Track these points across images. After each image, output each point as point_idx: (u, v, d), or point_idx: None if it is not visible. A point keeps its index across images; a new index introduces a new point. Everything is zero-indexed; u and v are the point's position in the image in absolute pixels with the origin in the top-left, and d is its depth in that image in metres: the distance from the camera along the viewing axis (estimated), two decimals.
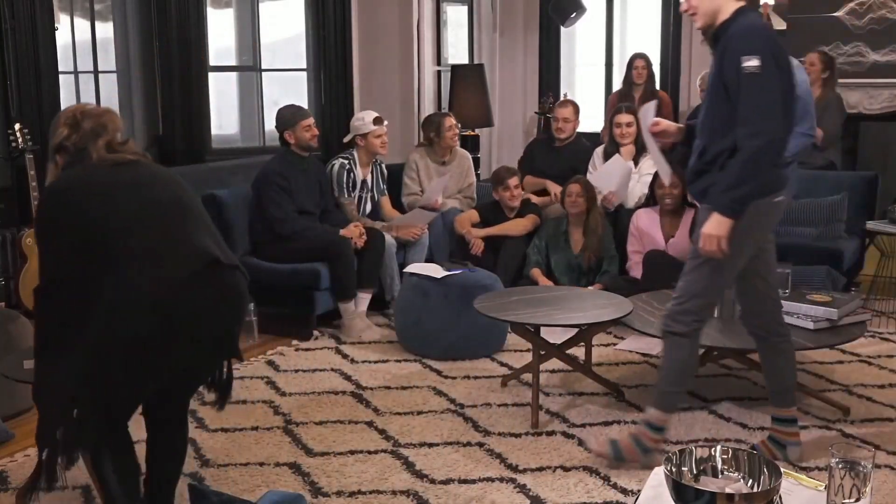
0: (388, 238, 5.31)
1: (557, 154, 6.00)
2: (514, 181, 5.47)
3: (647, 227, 5.04)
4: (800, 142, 3.60)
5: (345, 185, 5.49)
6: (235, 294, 2.65)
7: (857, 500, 1.71)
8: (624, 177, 5.55)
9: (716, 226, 3.04)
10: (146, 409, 2.78)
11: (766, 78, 2.95)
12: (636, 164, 5.61)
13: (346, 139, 5.71)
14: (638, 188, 5.57)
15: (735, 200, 3.02)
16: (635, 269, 4.99)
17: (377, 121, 5.47)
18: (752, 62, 2.94)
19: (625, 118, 5.69)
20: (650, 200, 5.20)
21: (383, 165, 5.76)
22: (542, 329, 4.00)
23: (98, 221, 2.49)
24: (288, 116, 5.16)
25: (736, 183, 3.00)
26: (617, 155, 5.57)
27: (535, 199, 5.75)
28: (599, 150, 5.84)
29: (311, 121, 5.20)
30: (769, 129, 2.95)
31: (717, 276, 3.19)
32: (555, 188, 5.70)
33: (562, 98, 7.62)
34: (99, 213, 2.50)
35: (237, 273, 2.66)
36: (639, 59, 6.79)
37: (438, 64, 7.30)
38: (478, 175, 7.02)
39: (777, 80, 2.97)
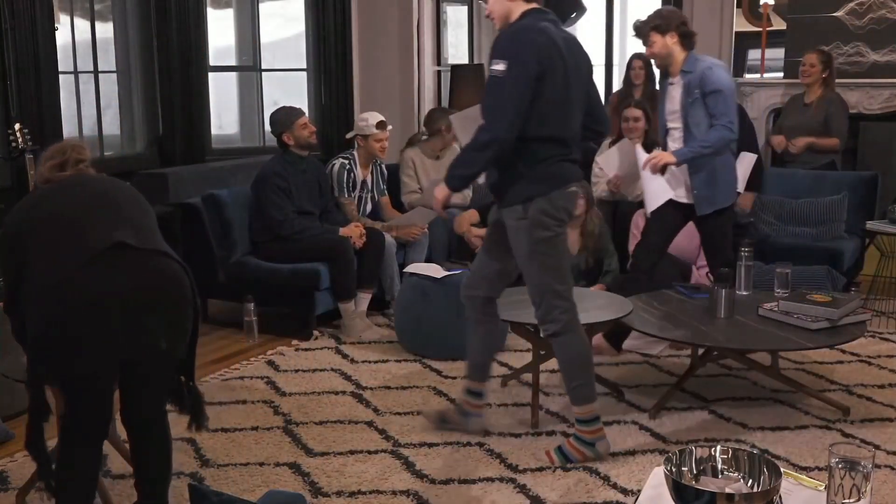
0: (389, 238, 5.31)
1: None
2: None
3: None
4: (720, 134, 4.06)
5: (345, 185, 5.49)
6: (157, 277, 2.63)
7: (858, 500, 1.71)
8: (631, 161, 5.53)
9: (440, 190, 3.42)
10: (120, 411, 2.80)
11: (508, 83, 3.13)
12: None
13: (348, 136, 5.71)
14: (640, 183, 5.56)
15: (455, 178, 3.36)
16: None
17: (381, 125, 5.45)
18: (498, 66, 3.16)
19: (633, 112, 5.69)
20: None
21: (383, 166, 5.76)
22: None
23: (22, 233, 2.66)
24: (283, 118, 5.14)
25: (460, 165, 3.32)
26: (626, 139, 5.56)
27: None
28: (605, 144, 5.84)
29: (306, 118, 5.19)
30: (497, 130, 3.16)
31: (549, 268, 3.34)
32: None
33: None
34: (22, 227, 2.68)
35: (161, 258, 2.66)
36: (637, 59, 6.78)
37: (438, 64, 7.30)
38: None
39: (519, 87, 3.14)
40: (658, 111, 4.56)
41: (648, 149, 5.66)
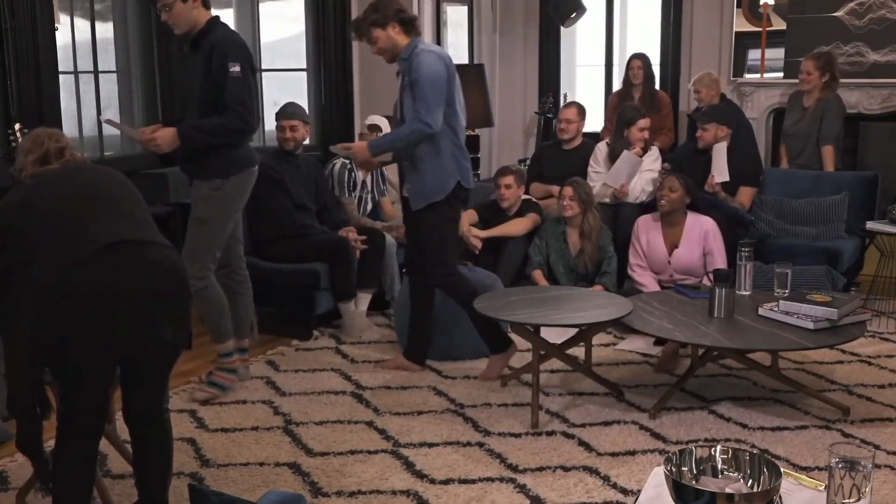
0: (389, 238, 5.31)
1: (566, 158, 6.01)
2: (505, 180, 5.44)
3: (648, 237, 4.95)
4: (412, 127, 4.11)
5: (345, 185, 5.49)
6: (157, 270, 2.65)
7: (858, 500, 1.71)
8: (634, 169, 5.56)
9: (170, 139, 3.98)
10: (122, 408, 2.81)
11: (245, 80, 3.90)
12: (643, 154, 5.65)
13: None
14: (640, 184, 5.57)
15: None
16: (640, 279, 4.91)
17: (372, 128, 5.46)
18: (235, 68, 3.87)
19: (645, 122, 5.70)
20: (647, 209, 5.16)
21: (384, 168, 5.75)
22: (541, 329, 4.00)
23: (16, 231, 2.66)
24: (278, 113, 5.20)
25: (207, 135, 3.95)
26: (626, 151, 5.58)
27: (543, 202, 5.74)
28: (602, 146, 5.85)
29: (288, 122, 5.13)
30: (245, 118, 3.90)
31: (208, 235, 4.00)
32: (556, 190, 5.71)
33: (562, 98, 7.64)
34: (16, 224, 2.66)
35: (160, 249, 2.70)
36: (635, 59, 6.79)
37: None
38: (477, 175, 7.03)
39: (252, 83, 3.95)
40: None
41: (645, 149, 5.70)
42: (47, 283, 2.53)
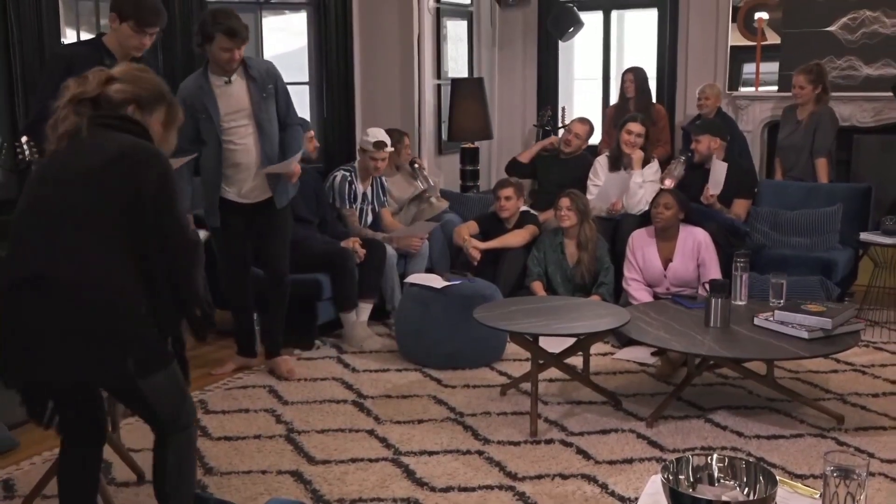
0: (389, 249, 5.32)
1: (564, 167, 6.03)
2: (505, 192, 5.47)
3: (643, 252, 4.94)
4: (299, 130, 4.45)
5: (346, 197, 5.49)
6: (51, 306, 2.36)
7: None
8: (622, 187, 5.59)
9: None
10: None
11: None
12: (638, 167, 5.65)
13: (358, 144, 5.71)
14: (641, 192, 5.58)
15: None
16: (635, 293, 4.91)
17: (378, 145, 5.44)
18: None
19: (636, 127, 5.72)
20: (648, 218, 5.16)
21: (383, 178, 5.76)
22: (540, 338, 4.01)
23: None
24: None
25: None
26: (611, 174, 5.63)
27: (541, 214, 5.76)
28: (601, 160, 5.87)
29: (310, 133, 5.22)
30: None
31: None
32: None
33: (560, 111, 7.66)
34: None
35: (70, 286, 2.36)
36: (627, 73, 6.86)
37: (439, 77, 7.31)
38: (476, 187, 7.04)
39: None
40: None
41: (647, 160, 5.71)
42: None
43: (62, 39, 5.44)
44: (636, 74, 6.80)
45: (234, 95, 4.24)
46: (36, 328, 2.39)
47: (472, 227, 5.61)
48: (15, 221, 2.51)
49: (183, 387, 2.61)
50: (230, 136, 4.26)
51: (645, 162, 5.71)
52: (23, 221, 2.49)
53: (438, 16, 7.23)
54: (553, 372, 4.30)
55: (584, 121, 6.22)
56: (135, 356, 2.42)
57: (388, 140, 5.50)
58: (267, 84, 4.29)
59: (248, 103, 4.25)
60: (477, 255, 5.37)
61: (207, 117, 4.21)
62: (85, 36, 5.80)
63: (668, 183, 5.19)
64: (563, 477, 3.38)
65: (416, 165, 6.04)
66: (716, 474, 1.82)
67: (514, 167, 6.35)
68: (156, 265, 2.47)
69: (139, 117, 2.55)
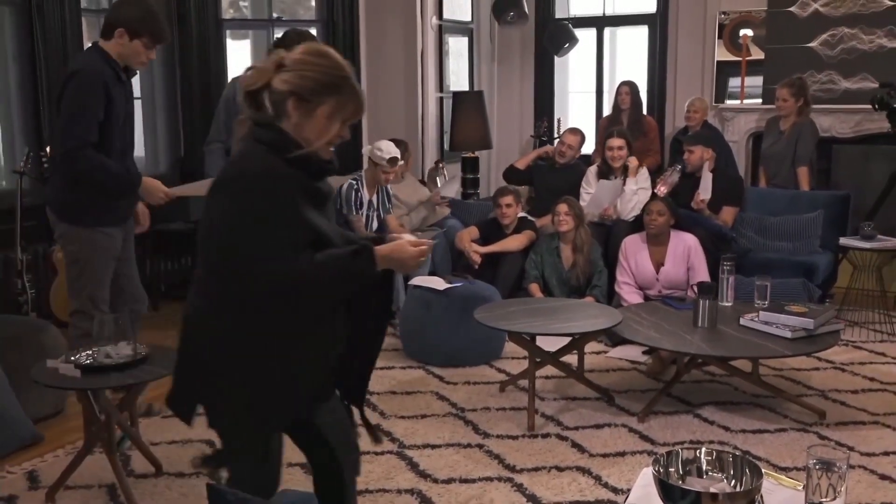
0: None
1: (559, 176, 6.03)
2: (505, 200, 5.48)
3: (636, 257, 4.91)
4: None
5: (353, 204, 5.49)
6: None
7: (833, 499, 1.70)
8: (614, 194, 5.58)
9: None
10: None
11: None
12: (634, 175, 5.65)
13: (364, 153, 5.62)
14: (635, 199, 5.58)
15: None
16: (626, 296, 4.87)
17: (392, 161, 5.42)
18: None
19: (616, 142, 5.71)
20: (639, 224, 5.15)
21: (388, 186, 5.76)
22: (537, 338, 4.00)
23: None
24: None
25: None
26: (602, 181, 5.62)
27: (538, 220, 5.75)
28: (593, 169, 5.88)
29: None
30: None
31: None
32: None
33: (556, 123, 7.66)
34: None
35: None
36: (623, 86, 6.85)
37: (441, 91, 7.32)
38: (477, 194, 7.04)
39: None
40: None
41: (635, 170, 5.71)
42: None
43: None
44: (631, 87, 6.81)
45: None
46: None
47: (473, 232, 5.61)
48: None
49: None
50: None
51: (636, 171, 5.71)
52: None
53: (441, 32, 7.24)
54: (549, 369, 4.29)
55: (574, 131, 6.22)
56: None
57: (398, 155, 5.50)
58: None
59: None
60: (478, 259, 5.37)
61: None
62: None
63: (663, 190, 5.18)
64: (559, 469, 3.37)
65: (441, 166, 6.11)
66: (704, 467, 1.81)
67: (511, 174, 6.35)
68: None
69: (296, 113, 2.02)
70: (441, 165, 6.51)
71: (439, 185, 6.25)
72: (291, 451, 3.54)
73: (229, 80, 4.30)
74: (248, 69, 2.10)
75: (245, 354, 2.02)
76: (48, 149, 4.76)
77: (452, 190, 6.34)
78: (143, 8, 3.48)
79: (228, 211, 1.95)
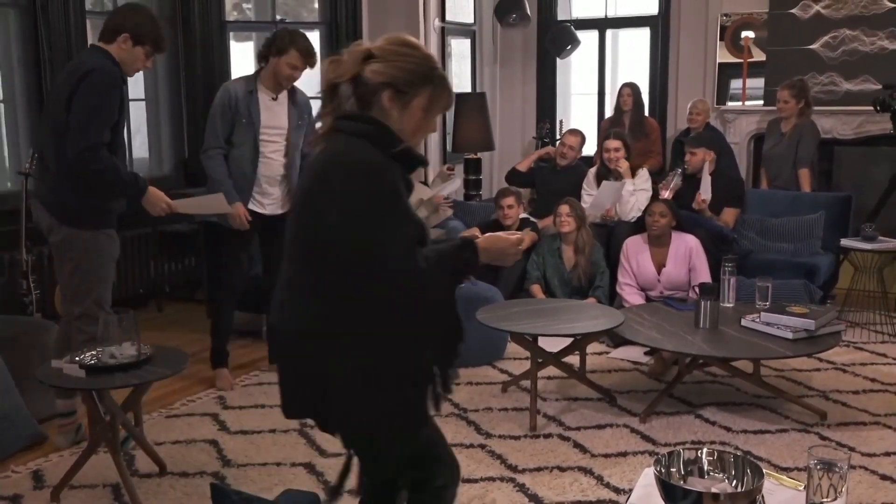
0: None
1: (560, 177, 6.03)
2: (507, 201, 5.47)
3: (637, 258, 4.91)
4: None
5: None
6: None
7: (834, 499, 1.70)
8: (616, 195, 5.58)
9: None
10: None
11: None
12: (632, 176, 5.64)
13: None
14: (633, 200, 5.57)
15: None
16: (628, 297, 4.87)
17: None
18: None
19: (613, 144, 5.71)
20: (640, 225, 5.15)
21: None
22: (539, 338, 4.00)
23: None
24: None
25: None
26: (605, 182, 5.62)
27: (540, 221, 5.75)
28: (594, 170, 5.87)
29: None
30: None
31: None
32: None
33: (558, 125, 7.66)
34: None
35: None
36: (625, 87, 6.85)
37: None
38: (479, 196, 7.04)
39: None
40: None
41: (633, 171, 5.69)
42: None
43: None
44: (633, 89, 6.81)
45: (276, 113, 4.21)
46: None
47: (475, 233, 5.60)
48: None
49: None
50: (263, 148, 4.20)
51: (635, 171, 5.70)
52: None
53: (443, 35, 7.24)
54: (551, 370, 4.29)
55: (574, 132, 6.22)
56: None
57: None
58: (304, 113, 4.29)
59: (287, 124, 4.23)
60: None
61: (249, 122, 4.13)
62: None
63: (667, 194, 5.18)
64: (561, 469, 3.37)
65: (450, 168, 6.32)
66: (705, 467, 1.81)
67: (513, 176, 6.35)
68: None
69: (393, 105, 1.94)
70: (450, 169, 6.50)
71: (450, 187, 6.23)
72: (293, 450, 3.55)
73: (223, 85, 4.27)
74: (331, 60, 2.00)
75: (374, 358, 1.89)
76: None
77: (453, 187, 6.33)
78: (149, 17, 3.49)
79: (351, 210, 1.83)
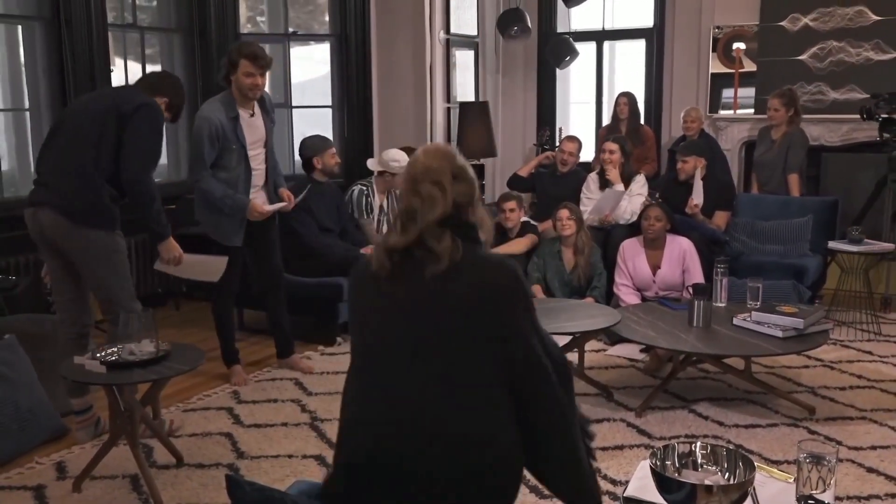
0: None
1: (560, 182, 6.03)
2: (509, 205, 5.46)
3: (634, 260, 4.89)
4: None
5: (364, 209, 5.49)
6: None
7: (823, 491, 1.69)
8: (616, 202, 5.57)
9: None
10: None
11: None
12: (626, 184, 5.63)
13: (375, 167, 5.51)
14: (625, 204, 5.56)
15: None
16: (625, 297, 4.85)
17: None
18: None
19: (610, 146, 5.71)
20: (636, 228, 5.13)
21: (397, 192, 5.76)
22: None
23: None
24: (319, 144, 5.12)
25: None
26: (608, 189, 5.61)
27: (540, 225, 5.74)
28: (593, 175, 5.87)
29: (334, 149, 5.21)
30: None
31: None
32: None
33: (558, 132, 7.66)
34: None
35: None
36: (622, 97, 6.85)
37: (448, 101, 7.33)
38: (482, 200, 7.03)
39: None
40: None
41: (626, 180, 5.68)
42: None
43: (111, 68, 5.47)
44: (629, 98, 6.81)
45: (256, 127, 4.17)
46: None
47: None
48: None
49: None
50: (251, 163, 4.17)
51: (630, 177, 5.69)
52: None
53: (448, 46, 7.25)
54: None
55: (572, 139, 6.21)
56: None
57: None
58: (271, 114, 4.29)
59: (264, 132, 4.22)
60: None
61: (239, 147, 4.08)
62: (132, 65, 5.85)
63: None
64: None
65: None
66: (699, 460, 1.80)
67: (514, 181, 6.34)
68: None
69: (474, 211, 1.93)
70: None
71: None
72: (304, 443, 3.55)
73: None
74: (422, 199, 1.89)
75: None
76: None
77: None
78: (183, 96, 3.68)
79: (522, 316, 1.90)
